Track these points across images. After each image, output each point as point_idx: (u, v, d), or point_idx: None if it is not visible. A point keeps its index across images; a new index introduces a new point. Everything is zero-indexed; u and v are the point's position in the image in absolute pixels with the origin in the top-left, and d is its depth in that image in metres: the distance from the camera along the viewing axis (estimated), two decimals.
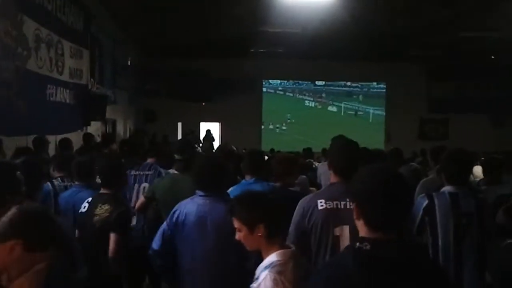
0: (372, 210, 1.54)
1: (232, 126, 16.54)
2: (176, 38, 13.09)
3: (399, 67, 16.16)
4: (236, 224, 2.14)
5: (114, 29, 11.36)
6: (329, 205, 2.53)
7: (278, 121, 18.15)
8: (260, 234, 2.06)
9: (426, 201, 2.92)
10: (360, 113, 18.36)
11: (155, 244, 2.93)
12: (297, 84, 18.42)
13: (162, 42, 13.77)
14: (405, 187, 1.58)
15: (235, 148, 8.43)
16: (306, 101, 18.40)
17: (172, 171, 4.44)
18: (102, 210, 3.21)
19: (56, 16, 7.16)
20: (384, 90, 18.11)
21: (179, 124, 17.02)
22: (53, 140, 6.54)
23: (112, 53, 10.98)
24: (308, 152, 9.85)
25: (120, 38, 11.86)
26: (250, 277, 2.06)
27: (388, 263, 1.47)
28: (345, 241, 2.41)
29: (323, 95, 18.41)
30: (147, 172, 4.91)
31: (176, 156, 4.24)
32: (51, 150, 6.27)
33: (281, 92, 18.43)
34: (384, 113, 18.08)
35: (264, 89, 18.12)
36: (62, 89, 7.34)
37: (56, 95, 7.12)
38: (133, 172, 4.80)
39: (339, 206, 2.50)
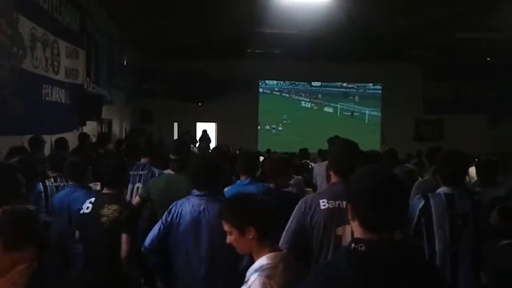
0: (366, 211, 1.54)
1: (228, 126, 16.53)
2: (176, 39, 13.08)
3: (396, 68, 16.15)
4: (227, 227, 2.12)
5: (113, 29, 11.33)
6: (332, 205, 2.55)
7: (275, 121, 18.14)
8: (251, 237, 2.04)
9: (422, 202, 2.93)
10: (356, 114, 18.36)
11: (148, 241, 2.93)
12: (293, 85, 18.41)
13: (163, 43, 13.76)
14: (400, 188, 1.58)
15: (231, 149, 8.43)
16: (302, 102, 18.39)
17: (168, 171, 4.43)
18: (110, 210, 3.18)
19: (52, 15, 7.13)
20: (380, 91, 18.12)
21: (175, 124, 17.00)
22: (48, 140, 6.51)
23: (108, 52, 10.93)
24: (304, 152, 9.87)
25: (117, 38, 11.82)
26: (243, 277, 2.06)
27: (383, 263, 1.47)
28: (347, 240, 2.39)
29: (319, 96, 18.41)
30: (140, 172, 4.90)
31: (172, 156, 4.23)
32: (47, 150, 6.24)
33: (278, 93, 18.41)
34: (380, 114, 18.10)
35: (261, 90, 18.09)
36: (57, 88, 7.31)
37: (51, 94, 7.09)
38: None
39: (341, 206, 2.52)
